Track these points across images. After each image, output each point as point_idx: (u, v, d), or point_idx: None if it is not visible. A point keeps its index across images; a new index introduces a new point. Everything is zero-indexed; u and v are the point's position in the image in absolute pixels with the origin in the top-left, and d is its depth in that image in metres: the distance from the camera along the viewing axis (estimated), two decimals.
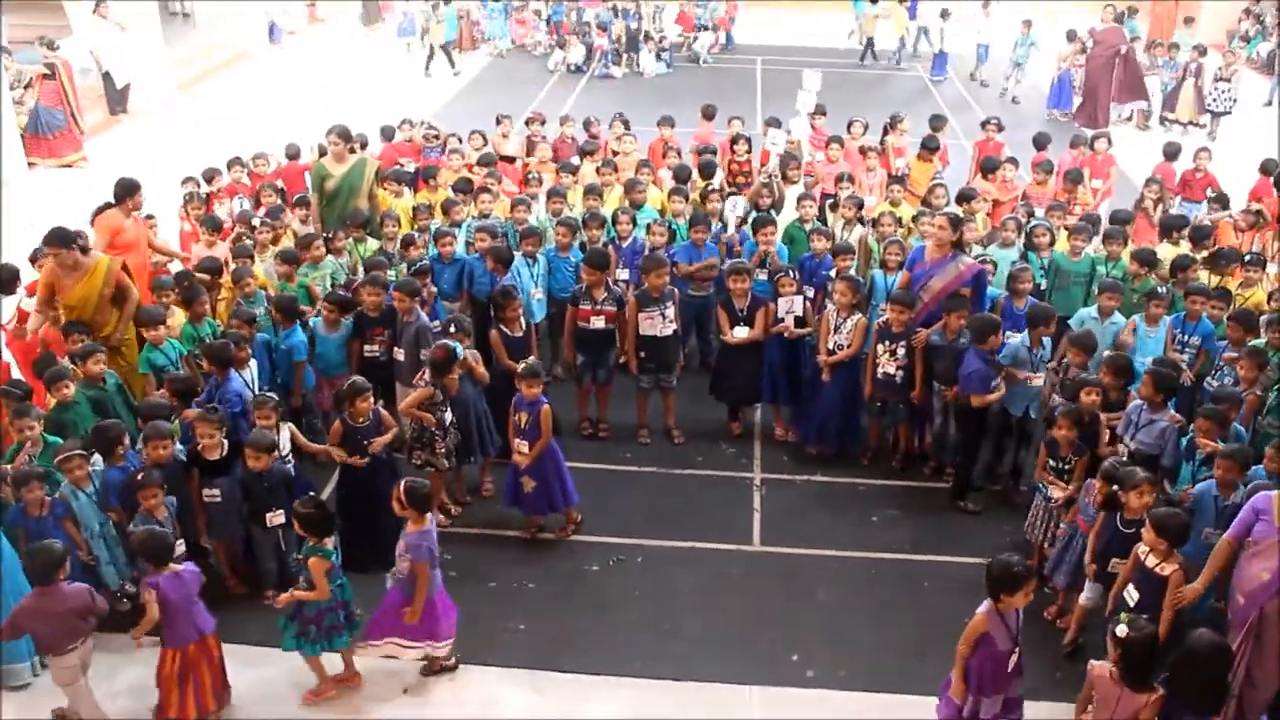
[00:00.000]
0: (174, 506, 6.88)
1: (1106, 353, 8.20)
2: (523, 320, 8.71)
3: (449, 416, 8.03)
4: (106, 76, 18.81)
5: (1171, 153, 13.58)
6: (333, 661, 6.76)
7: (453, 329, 8.21)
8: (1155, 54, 20.88)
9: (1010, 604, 5.66)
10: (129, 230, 9.61)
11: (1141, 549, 6.25)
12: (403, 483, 6.47)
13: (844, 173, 11.72)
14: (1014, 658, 5.75)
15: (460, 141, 13.22)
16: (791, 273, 9.22)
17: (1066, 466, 7.32)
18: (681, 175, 11.72)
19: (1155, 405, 7.41)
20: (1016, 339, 8.53)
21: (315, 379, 8.98)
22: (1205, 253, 9.90)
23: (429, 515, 6.50)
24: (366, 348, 8.88)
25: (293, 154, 12.93)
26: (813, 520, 8.52)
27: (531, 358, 8.18)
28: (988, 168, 12.47)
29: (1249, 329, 8.22)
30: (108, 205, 9.65)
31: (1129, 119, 20.01)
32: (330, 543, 6.38)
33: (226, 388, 7.89)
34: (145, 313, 8.53)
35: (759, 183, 11.51)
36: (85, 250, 8.65)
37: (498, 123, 14.06)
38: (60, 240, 8.48)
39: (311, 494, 6.81)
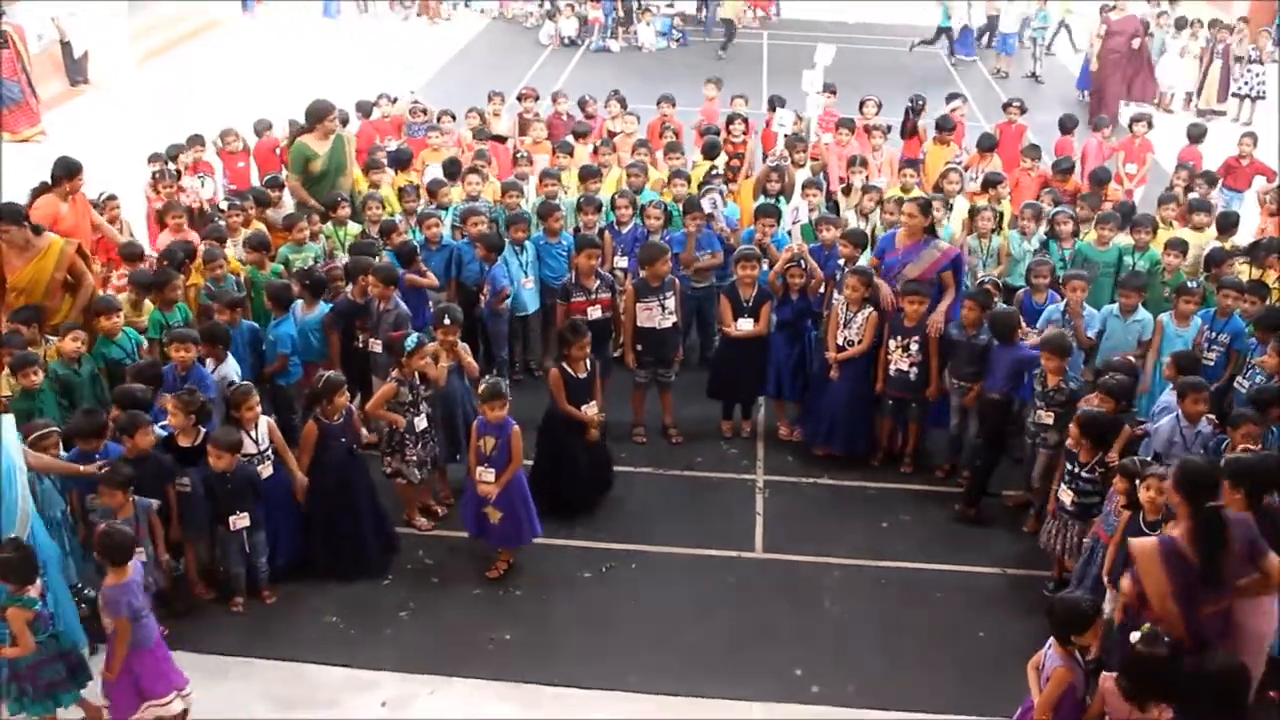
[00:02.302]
0: (149, 508, 6.82)
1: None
2: (589, 361, 8.29)
3: (421, 422, 7.98)
4: (65, 45, 18.76)
5: (1196, 135, 13.47)
6: None
7: (447, 321, 8.16)
8: (1208, 33, 20.64)
9: (1080, 643, 5.59)
10: (66, 217, 9.27)
11: None
12: (99, 529, 6.16)
13: (857, 155, 11.75)
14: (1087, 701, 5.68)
15: (453, 119, 13.20)
16: (803, 263, 9.21)
17: (1086, 474, 7.33)
18: (710, 151, 11.85)
19: (1195, 416, 7.39)
20: (1053, 306, 8.79)
21: (302, 369, 8.96)
22: (1229, 242, 9.94)
23: (131, 564, 6.04)
24: (361, 337, 8.88)
25: (261, 130, 12.87)
26: (819, 526, 8.53)
27: (499, 379, 7.83)
28: (982, 146, 12.51)
29: (1272, 331, 8.11)
30: (44, 187, 9.40)
31: (1154, 102, 19.99)
32: (33, 590, 5.91)
33: (192, 375, 7.84)
34: (100, 301, 8.40)
35: (766, 166, 11.52)
36: (38, 230, 8.53)
37: (489, 100, 14.03)
38: (10, 216, 8.34)
39: (12, 537, 6.14)
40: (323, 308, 8.92)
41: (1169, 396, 7.77)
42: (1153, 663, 5.30)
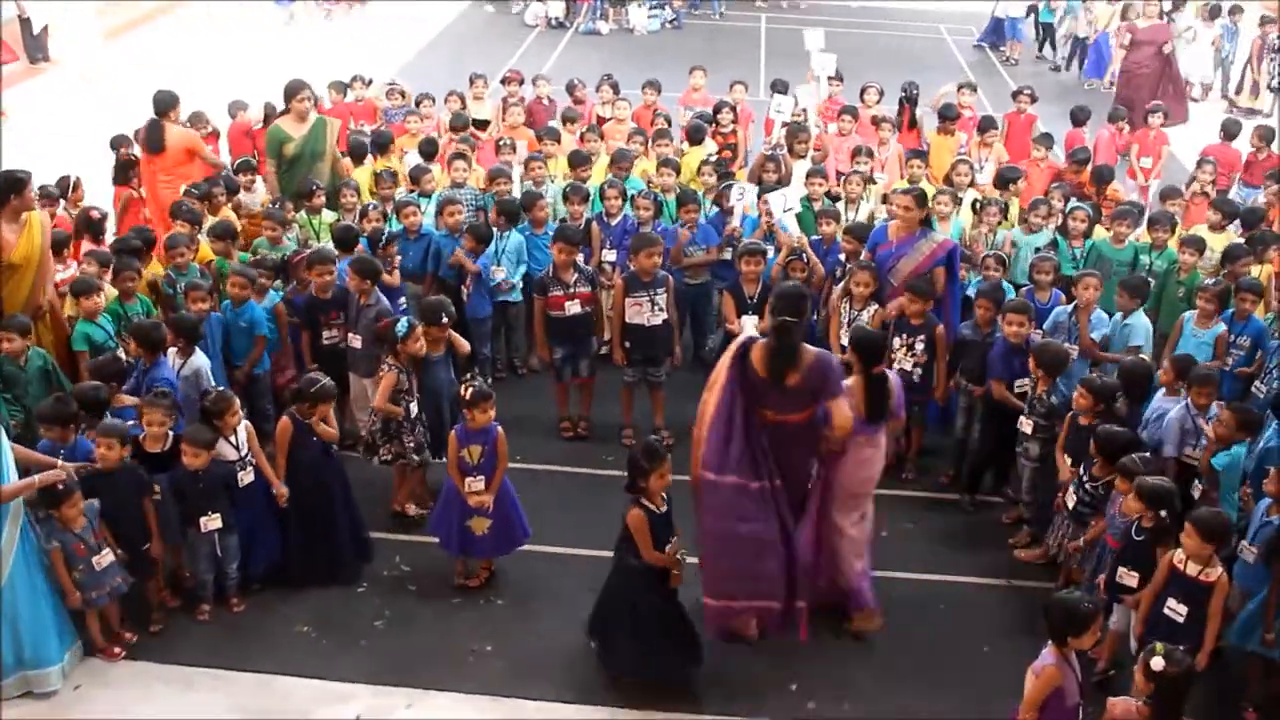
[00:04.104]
0: (95, 511, 6.76)
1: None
2: (666, 494, 6.75)
3: (415, 408, 8.06)
4: (25, 22, 18.72)
5: (1233, 131, 13.34)
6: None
7: (444, 319, 8.14)
8: (1227, 20, 20.51)
9: (1078, 646, 5.65)
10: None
11: (1178, 556, 6.32)
12: None
13: (860, 146, 11.77)
14: (1080, 713, 5.72)
15: (433, 103, 13.19)
16: (805, 255, 9.22)
17: (1089, 486, 7.36)
18: (694, 136, 11.89)
19: (1204, 406, 7.57)
20: (1061, 307, 8.86)
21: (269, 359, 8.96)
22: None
23: None
24: (325, 334, 8.85)
25: (234, 111, 12.86)
26: None
27: (479, 382, 7.63)
28: (982, 129, 12.59)
29: None
30: (157, 125, 10.84)
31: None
32: None
33: (154, 373, 7.79)
34: (80, 281, 8.38)
35: (761, 155, 11.55)
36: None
37: (471, 83, 14.02)
38: (12, 186, 8.20)
39: None
40: (273, 295, 8.94)
41: (1159, 401, 7.89)
42: (1182, 680, 5.36)
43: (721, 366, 6.85)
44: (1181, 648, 5.54)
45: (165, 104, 10.99)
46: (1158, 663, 5.35)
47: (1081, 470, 7.46)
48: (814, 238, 9.82)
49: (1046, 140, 12.38)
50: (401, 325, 7.90)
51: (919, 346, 8.68)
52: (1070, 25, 21.92)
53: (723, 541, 6.79)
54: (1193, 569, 6.26)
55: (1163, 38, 17.64)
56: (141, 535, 7.00)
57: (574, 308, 9.12)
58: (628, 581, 6.78)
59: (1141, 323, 8.83)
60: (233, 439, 7.33)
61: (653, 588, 6.73)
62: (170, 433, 7.23)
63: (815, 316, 9.41)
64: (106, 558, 6.75)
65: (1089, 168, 12.06)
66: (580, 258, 9.36)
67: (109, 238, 9.89)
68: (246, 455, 7.39)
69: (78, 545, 6.64)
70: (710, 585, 6.89)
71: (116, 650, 6.98)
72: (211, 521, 7.15)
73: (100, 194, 11.14)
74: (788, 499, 6.93)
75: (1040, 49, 22.86)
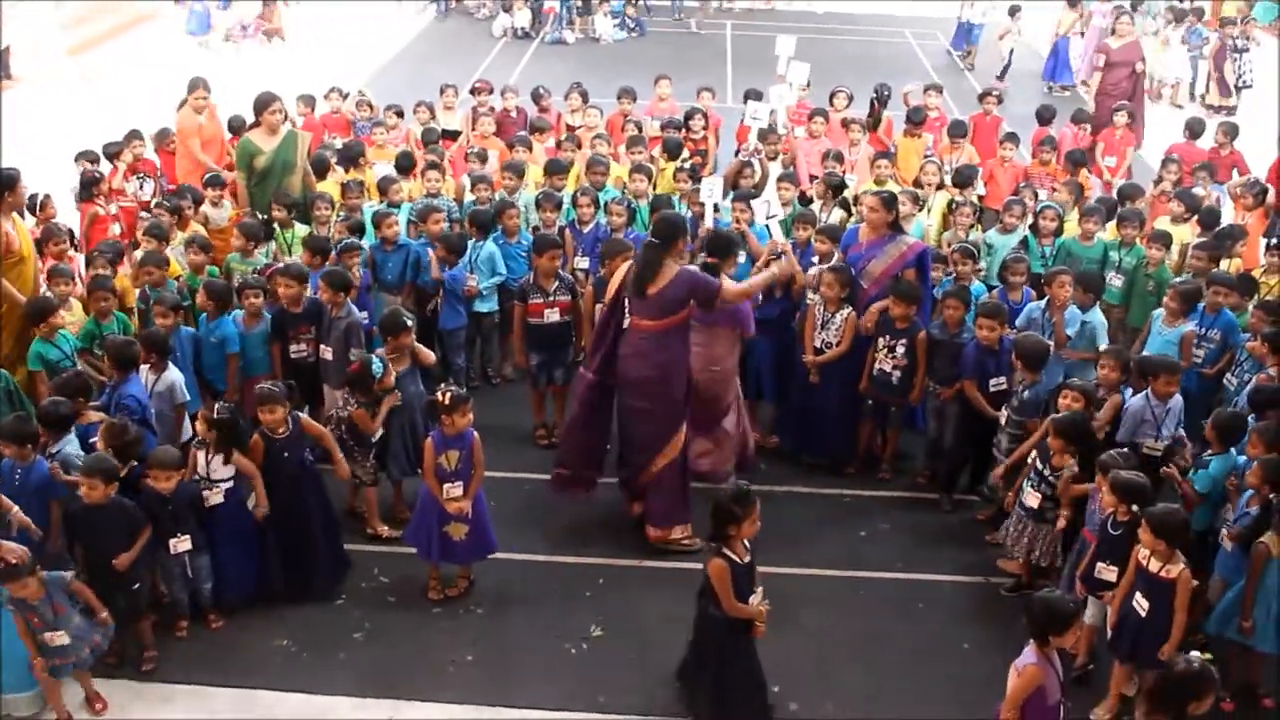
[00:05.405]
0: (64, 583, 6.44)
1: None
2: (749, 543, 6.44)
3: (379, 431, 8.05)
4: None
5: (1198, 130, 13.40)
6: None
7: (409, 322, 8.12)
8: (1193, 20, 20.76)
9: (1059, 644, 5.67)
10: (206, 128, 11.70)
11: (1142, 552, 6.37)
12: None
13: (831, 150, 11.82)
14: (1061, 711, 5.74)
15: (400, 116, 13.18)
16: (783, 256, 9.24)
17: (1052, 477, 7.41)
18: (673, 150, 11.88)
19: (1165, 395, 7.72)
20: (1034, 304, 8.93)
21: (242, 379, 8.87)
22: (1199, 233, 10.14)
23: None
24: (292, 348, 8.80)
25: None
26: (793, 535, 8.56)
27: (456, 387, 7.63)
28: (953, 133, 12.69)
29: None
30: (183, 101, 11.66)
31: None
32: None
33: (123, 389, 7.69)
34: (37, 303, 8.29)
35: (738, 160, 11.57)
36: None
37: (441, 93, 14.01)
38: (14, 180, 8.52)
39: None
40: (269, 319, 8.88)
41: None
42: (1185, 684, 5.36)
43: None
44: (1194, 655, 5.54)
45: (189, 86, 11.89)
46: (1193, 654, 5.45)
47: (1040, 465, 7.49)
48: (790, 240, 9.84)
49: (1013, 139, 12.45)
50: (377, 366, 7.86)
51: (900, 349, 8.72)
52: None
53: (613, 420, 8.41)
54: (1154, 565, 6.30)
55: (1135, 57, 17.28)
56: (131, 575, 6.85)
57: (553, 316, 9.12)
58: (710, 633, 6.52)
59: (1098, 319, 8.96)
60: (211, 459, 7.27)
61: (733, 635, 6.47)
62: (132, 462, 7.07)
63: (794, 319, 9.43)
64: (60, 638, 6.38)
65: (1055, 154, 12.17)
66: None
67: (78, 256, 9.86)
68: (222, 478, 7.30)
69: (32, 616, 6.33)
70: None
71: (98, 707, 6.76)
72: (181, 543, 7.06)
73: (67, 210, 11.06)
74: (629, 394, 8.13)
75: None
